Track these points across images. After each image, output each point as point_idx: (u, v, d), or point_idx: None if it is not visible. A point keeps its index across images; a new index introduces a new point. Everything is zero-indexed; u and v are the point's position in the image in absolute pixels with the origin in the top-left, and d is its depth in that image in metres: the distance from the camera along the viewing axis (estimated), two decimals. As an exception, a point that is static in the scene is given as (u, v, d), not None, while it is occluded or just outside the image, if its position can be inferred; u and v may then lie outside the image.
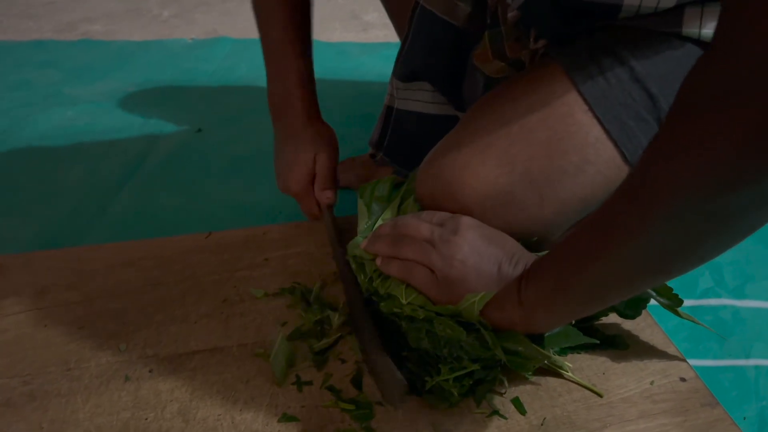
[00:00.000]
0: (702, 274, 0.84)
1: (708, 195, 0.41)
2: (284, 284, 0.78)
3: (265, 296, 0.76)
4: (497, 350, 0.58)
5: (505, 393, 0.64)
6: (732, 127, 0.38)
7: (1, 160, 1.14)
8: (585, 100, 0.65)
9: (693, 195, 0.42)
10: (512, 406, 0.63)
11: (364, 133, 1.10)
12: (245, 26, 1.77)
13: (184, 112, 1.32)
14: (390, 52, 1.58)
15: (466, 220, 0.63)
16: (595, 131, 0.65)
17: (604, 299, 0.55)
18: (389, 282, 0.64)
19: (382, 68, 1.53)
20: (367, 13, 1.97)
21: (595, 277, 0.52)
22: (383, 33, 1.79)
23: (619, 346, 0.69)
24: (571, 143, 0.65)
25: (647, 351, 0.69)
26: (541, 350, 0.59)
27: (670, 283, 0.67)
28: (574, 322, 0.66)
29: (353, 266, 0.68)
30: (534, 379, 0.66)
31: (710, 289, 0.82)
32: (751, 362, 0.72)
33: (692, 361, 0.69)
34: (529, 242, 0.67)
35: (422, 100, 0.93)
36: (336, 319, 0.70)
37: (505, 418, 0.62)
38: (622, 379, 0.66)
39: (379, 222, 0.73)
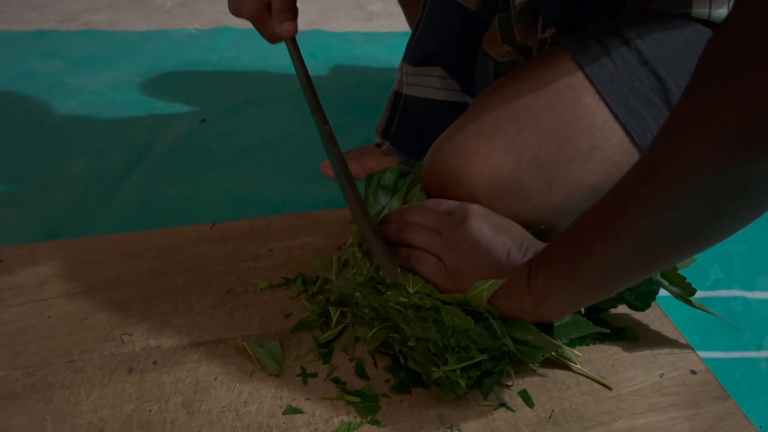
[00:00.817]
0: (712, 266, 0.83)
1: (725, 166, 0.40)
2: (289, 275, 0.77)
3: (270, 287, 0.75)
4: (506, 339, 0.58)
5: (512, 385, 0.64)
6: (748, 93, 0.37)
7: (4, 150, 1.13)
8: (592, 83, 0.64)
9: (711, 169, 0.41)
10: (520, 399, 0.62)
11: (368, 123, 1.09)
12: (249, 16, 1.75)
13: (187, 102, 1.31)
14: (395, 41, 1.57)
15: (474, 208, 0.62)
16: (603, 115, 0.64)
17: (615, 283, 0.55)
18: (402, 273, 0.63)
19: (387, 58, 1.51)
20: (371, 2, 1.96)
21: (605, 260, 0.51)
22: (388, 22, 1.78)
23: (628, 338, 0.68)
24: (578, 128, 0.64)
25: (657, 343, 0.68)
26: (551, 339, 0.58)
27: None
28: (583, 312, 0.65)
29: (359, 255, 0.67)
30: (542, 371, 0.65)
31: (720, 280, 0.81)
32: (763, 354, 0.71)
33: (702, 353, 0.68)
34: (538, 230, 0.66)
35: (432, 86, 0.92)
36: (336, 315, 0.69)
37: (513, 411, 0.61)
38: (632, 371, 0.65)
39: (385, 211, 0.72)
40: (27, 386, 0.64)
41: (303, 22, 0.83)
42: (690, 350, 0.67)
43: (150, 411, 0.61)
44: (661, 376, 0.65)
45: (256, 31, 0.73)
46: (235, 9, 0.73)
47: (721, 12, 0.65)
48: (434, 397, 0.62)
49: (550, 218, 0.66)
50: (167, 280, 0.78)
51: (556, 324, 0.61)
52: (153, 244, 0.84)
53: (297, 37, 0.72)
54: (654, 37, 0.65)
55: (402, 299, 0.61)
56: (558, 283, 0.55)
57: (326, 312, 0.70)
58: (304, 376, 0.64)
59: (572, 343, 0.67)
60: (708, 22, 0.65)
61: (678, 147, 0.43)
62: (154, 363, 0.66)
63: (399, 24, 1.15)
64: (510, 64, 0.87)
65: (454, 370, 0.59)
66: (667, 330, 0.70)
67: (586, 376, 0.64)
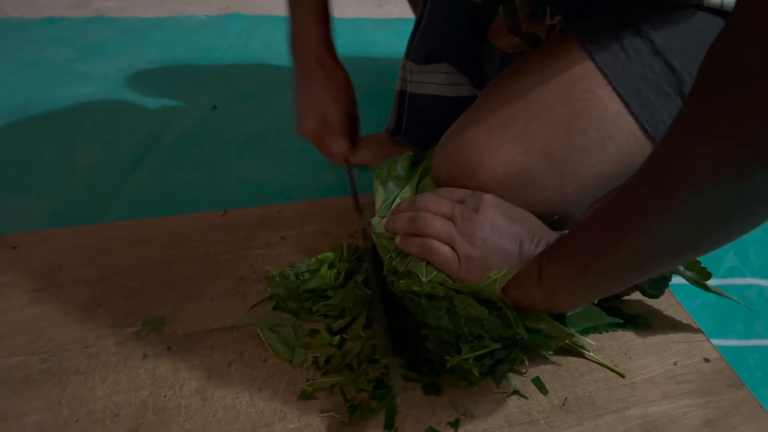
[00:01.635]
0: (726, 253, 0.82)
1: (731, 179, 0.40)
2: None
3: (282, 275, 0.75)
4: (519, 329, 0.57)
5: (525, 373, 0.64)
6: (761, 102, 0.36)
7: (16, 137, 1.14)
8: (604, 74, 0.63)
9: (716, 180, 0.41)
10: (533, 386, 0.62)
11: (380, 110, 1.08)
12: (258, 3, 1.74)
13: (198, 89, 1.31)
14: (406, 28, 1.55)
15: (487, 198, 0.61)
16: (615, 106, 0.63)
17: (625, 280, 0.54)
18: (409, 259, 0.63)
19: (398, 44, 1.50)
20: (382, -12, 1.94)
21: (615, 257, 0.50)
22: (398, 9, 1.76)
23: (642, 325, 0.68)
24: (590, 119, 0.63)
25: (670, 331, 0.68)
26: (564, 328, 0.58)
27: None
28: (596, 301, 0.65)
29: (375, 241, 0.67)
30: (555, 359, 0.65)
31: (735, 268, 0.80)
32: (777, 342, 0.71)
33: (716, 341, 0.68)
34: (551, 220, 0.66)
35: (437, 82, 0.91)
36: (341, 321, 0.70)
37: (526, 398, 0.61)
38: (645, 359, 0.65)
39: (397, 200, 0.72)
40: (43, 371, 0.64)
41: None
42: (704, 338, 0.67)
43: (164, 396, 0.61)
44: (675, 364, 0.65)
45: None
46: (298, 129, 0.84)
47: (732, 1, 0.64)
48: (447, 384, 0.62)
49: (562, 209, 0.66)
50: (179, 267, 0.78)
51: (569, 314, 0.60)
52: (165, 231, 0.84)
53: None
54: (666, 27, 0.64)
55: (415, 288, 0.61)
56: (568, 278, 0.55)
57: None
58: (318, 362, 0.64)
59: (585, 331, 0.66)
60: (720, 11, 0.64)
61: (684, 157, 0.42)
62: (168, 349, 0.67)
63: (410, 10, 1.14)
64: (518, 55, 0.86)
65: (467, 359, 0.59)
66: (681, 318, 0.70)
67: (600, 364, 0.64)
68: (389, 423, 0.59)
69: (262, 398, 0.61)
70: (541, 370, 0.64)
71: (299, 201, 0.91)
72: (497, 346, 0.59)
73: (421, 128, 0.96)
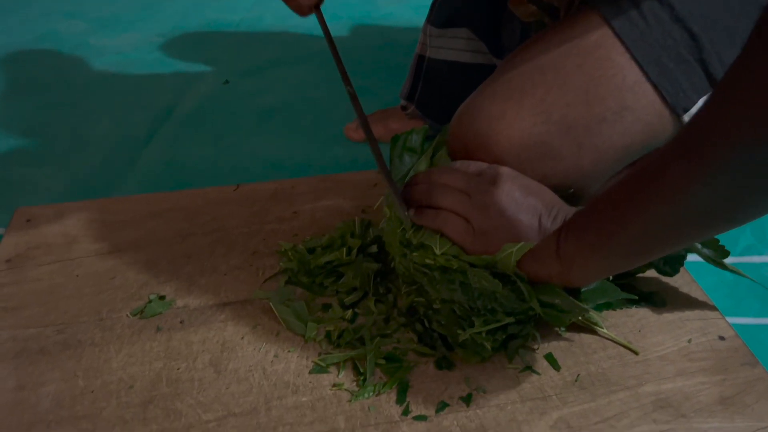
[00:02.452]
0: (743, 231, 0.81)
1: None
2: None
3: (294, 250, 0.75)
4: (533, 302, 0.57)
5: (537, 349, 0.63)
6: None
7: (30, 111, 1.14)
8: (622, 42, 0.62)
9: (754, 147, 0.39)
10: (545, 362, 0.62)
11: (392, 84, 1.07)
12: (271, -25, 1.73)
13: (210, 63, 1.30)
14: (419, 1, 1.54)
15: (504, 170, 0.61)
16: (634, 75, 0.62)
17: (646, 254, 0.54)
18: (422, 232, 0.62)
19: (412, 17, 1.49)
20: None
21: (638, 230, 0.50)
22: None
23: (657, 303, 0.68)
24: (608, 88, 0.62)
25: (685, 308, 0.67)
26: (579, 303, 0.58)
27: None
28: (611, 277, 0.64)
29: (387, 214, 0.67)
30: (567, 335, 0.65)
31: (752, 246, 0.79)
32: (794, 321, 0.70)
33: (732, 319, 0.67)
34: (567, 194, 0.65)
35: (456, 48, 0.90)
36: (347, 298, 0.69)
37: (539, 374, 0.61)
38: (659, 336, 0.65)
39: (412, 173, 0.71)
40: (58, 343, 0.65)
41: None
42: (719, 316, 0.67)
43: (178, 369, 0.62)
44: (689, 341, 0.64)
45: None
46: None
47: None
48: (459, 359, 0.62)
49: (579, 181, 0.65)
50: (193, 240, 0.78)
51: (584, 289, 0.60)
52: (178, 205, 0.84)
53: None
54: None
55: (428, 261, 0.61)
56: (587, 251, 0.54)
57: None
58: (330, 336, 0.65)
59: (599, 308, 0.66)
60: None
61: (721, 123, 0.41)
62: (181, 322, 0.67)
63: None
64: (537, 24, 0.85)
65: (479, 333, 0.59)
66: (696, 295, 0.69)
67: (613, 341, 0.64)
68: (401, 397, 0.59)
69: (274, 371, 0.61)
70: (553, 347, 0.63)
71: (312, 176, 0.90)
72: (510, 320, 0.59)
73: (436, 94, 0.95)
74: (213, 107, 1.15)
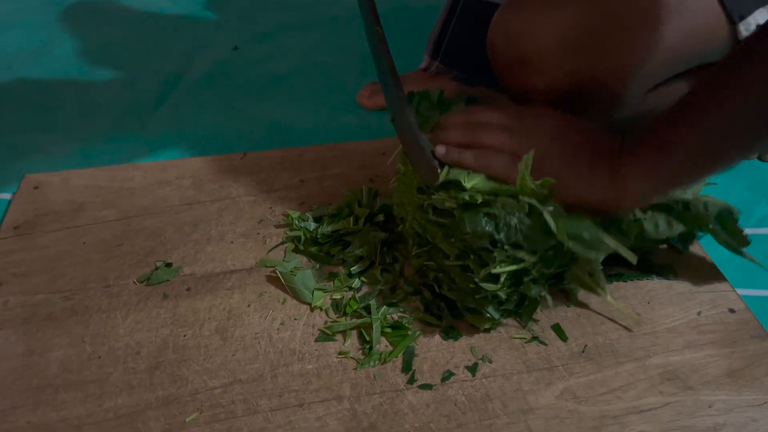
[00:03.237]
0: (758, 202, 0.80)
1: None
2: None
3: (301, 218, 0.74)
4: (560, 233, 0.55)
5: (538, 321, 0.63)
6: None
7: (39, 76, 1.13)
8: None
9: None
10: (552, 333, 0.62)
11: (404, 49, 1.05)
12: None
13: (219, 28, 1.29)
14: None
15: (544, 107, 0.60)
16: None
17: (712, 161, 0.52)
18: (445, 170, 0.60)
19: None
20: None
21: (705, 133, 0.49)
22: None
23: (668, 275, 0.67)
24: None
25: (695, 281, 0.67)
26: (607, 237, 0.56)
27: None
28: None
29: (402, 170, 0.65)
30: (574, 307, 0.64)
31: (767, 217, 0.78)
32: (806, 294, 0.69)
33: (743, 291, 0.66)
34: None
35: None
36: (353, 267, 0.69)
37: (545, 345, 0.61)
38: (668, 308, 0.64)
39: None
40: (66, 309, 0.65)
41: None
42: (729, 288, 0.66)
43: (185, 336, 0.62)
44: (699, 314, 0.63)
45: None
46: None
47: None
48: (466, 328, 0.62)
49: (620, 83, 0.63)
50: (200, 208, 0.78)
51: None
52: (185, 173, 0.83)
53: None
54: None
55: (448, 204, 0.58)
56: (646, 161, 0.53)
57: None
58: (337, 305, 0.64)
59: (609, 280, 0.65)
60: None
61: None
62: (188, 290, 0.67)
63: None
64: None
65: (486, 297, 0.58)
66: (707, 268, 0.68)
67: (617, 309, 0.63)
68: (407, 366, 0.59)
69: (280, 339, 0.62)
70: (561, 318, 0.63)
71: (320, 144, 0.89)
72: (532, 259, 0.57)
73: (467, 37, 0.92)
74: (221, 74, 1.13)
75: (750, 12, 0.60)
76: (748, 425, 0.54)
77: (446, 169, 0.59)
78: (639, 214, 0.62)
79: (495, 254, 0.56)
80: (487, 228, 0.56)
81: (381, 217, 0.72)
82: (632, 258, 0.58)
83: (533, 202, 0.56)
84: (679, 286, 0.66)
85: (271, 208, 0.77)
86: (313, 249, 0.70)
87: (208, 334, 0.62)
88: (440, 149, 0.60)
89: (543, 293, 0.60)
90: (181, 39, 1.25)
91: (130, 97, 1.07)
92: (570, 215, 0.56)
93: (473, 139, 0.60)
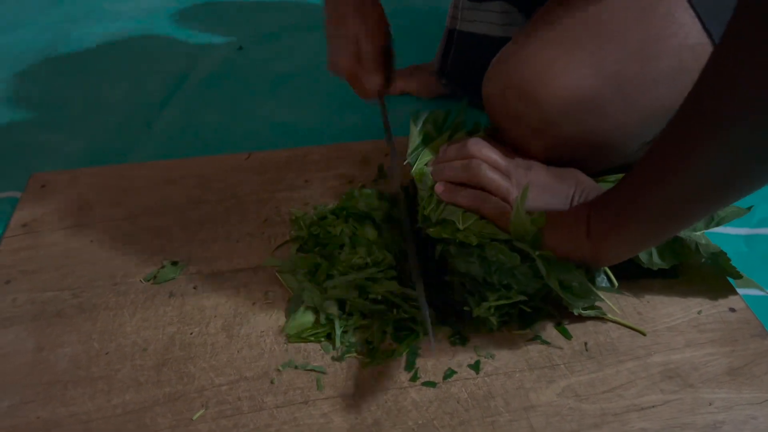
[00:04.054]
0: (759, 204, 0.80)
1: (755, 124, 0.39)
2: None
3: (306, 217, 0.75)
4: (551, 281, 0.57)
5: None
6: None
7: (45, 76, 1.14)
8: None
9: (741, 125, 0.39)
10: (555, 332, 0.62)
11: (409, 48, 1.05)
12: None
13: (224, 28, 1.29)
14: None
15: (535, 162, 0.62)
16: (696, 33, 0.59)
17: (673, 223, 0.53)
18: (442, 207, 0.63)
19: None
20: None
21: (663, 197, 0.50)
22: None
23: (668, 274, 0.67)
24: (667, 46, 0.60)
25: (696, 281, 0.67)
26: (594, 290, 0.58)
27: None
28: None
29: (414, 182, 0.67)
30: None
31: (766, 218, 0.79)
32: (806, 294, 0.69)
33: (744, 291, 0.67)
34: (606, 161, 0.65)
35: (488, 21, 0.88)
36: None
37: (548, 343, 0.61)
38: (669, 308, 0.65)
39: (425, 152, 0.70)
40: (74, 307, 0.66)
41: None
42: (730, 288, 0.66)
43: (191, 333, 0.63)
44: (699, 312, 0.64)
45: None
46: (331, 66, 0.77)
47: None
48: (469, 328, 0.63)
49: (621, 141, 0.64)
50: (206, 207, 0.79)
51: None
52: (191, 172, 0.84)
53: None
54: None
55: (445, 236, 0.61)
56: (617, 226, 0.54)
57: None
58: (342, 303, 0.65)
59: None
60: None
61: (731, 83, 0.41)
62: (194, 288, 0.68)
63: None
64: None
65: (489, 308, 0.59)
66: (707, 268, 0.68)
67: (620, 324, 0.63)
68: (410, 364, 0.60)
69: (286, 337, 0.62)
70: (563, 316, 0.64)
71: (324, 144, 0.90)
72: (523, 298, 0.59)
73: (466, 69, 0.93)
74: (226, 74, 1.14)
75: None
76: (748, 422, 0.54)
77: (442, 206, 0.63)
78: None
79: (488, 294, 0.59)
80: (480, 270, 0.59)
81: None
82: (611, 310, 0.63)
83: (526, 248, 0.58)
84: (680, 286, 0.67)
85: (276, 207, 0.78)
86: (317, 249, 0.70)
87: (214, 332, 0.63)
88: (439, 187, 0.64)
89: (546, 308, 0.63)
90: (186, 39, 1.26)
91: (137, 97, 1.08)
92: (559, 263, 0.58)
93: (470, 177, 0.62)
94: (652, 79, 0.60)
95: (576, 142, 0.63)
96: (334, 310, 0.62)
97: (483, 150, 0.63)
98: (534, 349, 0.61)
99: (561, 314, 0.63)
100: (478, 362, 0.59)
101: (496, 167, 0.62)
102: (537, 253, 0.58)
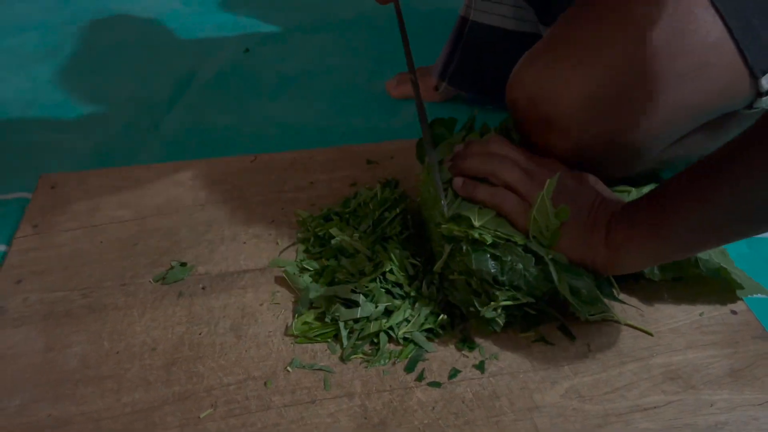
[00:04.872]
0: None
1: None
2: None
3: (311, 218, 0.76)
4: (562, 285, 0.58)
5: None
6: None
7: (53, 77, 1.15)
8: None
9: None
10: (558, 333, 0.63)
11: (414, 52, 1.06)
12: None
13: (230, 29, 1.30)
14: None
15: (557, 164, 0.62)
16: (717, 30, 0.59)
17: (694, 246, 0.55)
18: (458, 202, 0.63)
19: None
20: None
21: (697, 219, 0.50)
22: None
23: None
24: (690, 43, 0.60)
25: (698, 283, 0.68)
26: (602, 299, 0.59)
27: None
28: None
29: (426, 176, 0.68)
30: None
31: None
32: (807, 296, 0.70)
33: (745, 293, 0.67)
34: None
35: (501, 14, 0.88)
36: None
37: (552, 344, 0.62)
38: (671, 310, 0.65)
39: (439, 150, 0.71)
40: (83, 307, 0.67)
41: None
42: (732, 291, 0.67)
43: (200, 333, 0.64)
44: (701, 315, 0.65)
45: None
46: None
47: None
48: (473, 328, 0.63)
49: (645, 141, 0.64)
50: (213, 208, 0.79)
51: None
52: (198, 174, 0.85)
53: None
54: None
55: (457, 233, 0.61)
56: (638, 237, 0.55)
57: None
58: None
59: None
60: None
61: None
62: (202, 288, 0.69)
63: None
64: None
65: (496, 309, 0.59)
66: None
67: (628, 325, 0.64)
68: (411, 365, 0.60)
69: (293, 337, 0.63)
70: (567, 318, 0.64)
71: (330, 147, 0.91)
72: (531, 300, 0.59)
73: (474, 61, 0.94)
74: (233, 75, 1.15)
75: None
76: (750, 424, 0.55)
77: (457, 201, 0.63)
78: None
79: (497, 294, 0.59)
80: (492, 269, 0.59)
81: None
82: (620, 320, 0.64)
83: (540, 251, 0.59)
84: (682, 288, 0.67)
85: (282, 209, 0.79)
86: (323, 250, 0.71)
87: (222, 332, 0.64)
88: (457, 182, 0.64)
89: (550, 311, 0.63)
90: (193, 40, 1.26)
91: (143, 97, 1.09)
92: (570, 268, 0.59)
93: (491, 170, 0.62)
94: (676, 75, 0.60)
95: (603, 143, 0.63)
96: (340, 311, 0.63)
97: (506, 147, 0.64)
98: (538, 350, 0.62)
99: (565, 317, 0.64)
100: (482, 362, 0.60)
101: (518, 165, 0.62)
102: (550, 256, 0.59)
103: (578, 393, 0.58)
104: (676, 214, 0.52)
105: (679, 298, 0.66)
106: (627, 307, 0.65)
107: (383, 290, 0.64)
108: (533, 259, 0.59)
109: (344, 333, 0.62)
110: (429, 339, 0.62)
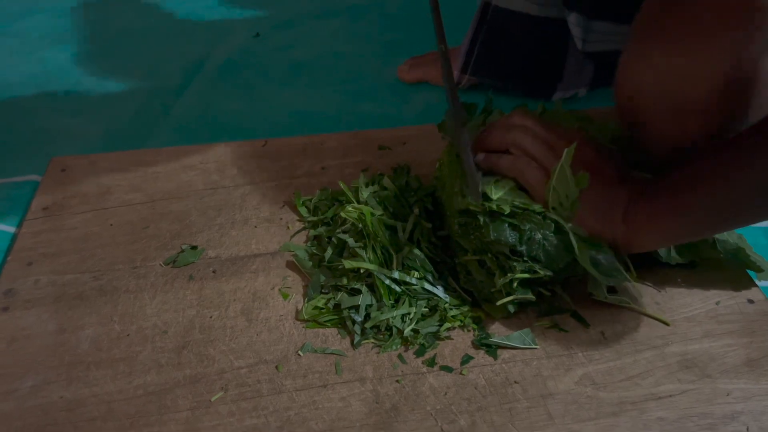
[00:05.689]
0: None
1: None
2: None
3: (320, 203, 0.75)
4: (582, 255, 0.57)
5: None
6: None
7: (63, 61, 1.15)
8: None
9: None
10: (572, 320, 0.63)
11: (426, 38, 1.05)
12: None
13: (240, 14, 1.29)
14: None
15: (581, 136, 0.61)
16: None
17: (723, 226, 0.54)
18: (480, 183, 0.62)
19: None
20: None
21: (717, 199, 0.50)
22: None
23: (686, 265, 0.67)
24: None
25: (715, 271, 0.67)
26: (622, 270, 0.58)
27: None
28: None
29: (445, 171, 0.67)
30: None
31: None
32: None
33: (762, 283, 0.67)
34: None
35: None
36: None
37: (566, 331, 0.61)
38: (687, 298, 0.65)
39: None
40: (95, 289, 0.67)
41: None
42: (749, 279, 0.66)
43: (210, 317, 0.63)
44: (717, 303, 0.64)
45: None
46: None
47: None
48: (486, 314, 0.63)
49: (719, 134, 0.62)
50: (224, 193, 0.79)
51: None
52: (209, 158, 0.85)
53: None
54: None
55: (473, 207, 0.60)
56: (657, 214, 0.55)
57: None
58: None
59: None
60: None
61: None
62: (213, 272, 0.68)
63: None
64: None
65: (512, 282, 0.59)
66: (727, 259, 0.68)
67: (643, 314, 0.63)
68: (421, 350, 0.60)
69: (304, 321, 0.63)
70: (581, 305, 0.64)
71: (341, 132, 0.90)
72: (548, 273, 0.59)
73: (497, 46, 0.93)
74: (243, 60, 1.14)
75: None
76: (766, 413, 0.54)
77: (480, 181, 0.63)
78: None
79: (515, 265, 0.58)
80: (510, 239, 0.58)
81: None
82: (639, 295, 0.64)
83: (560, 220, 0.59)
84: (698, 276, 0.67)
85: (293, 194, 0.78)
86: (332, 235, 0.71)
87: (233, 316, 0.64)
88: (480, 156, 0.64)
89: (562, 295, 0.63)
90: (203, 25, 1.26)
91: (154, 82, 1.08)
92: (589, 239, 0.59)
93: (512, 140, 0.62)
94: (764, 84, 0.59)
95: (741, 123, 0.61)
96: (346, 299, 0.62)
97: (528, 119, 0.63)
98: (552, 337, 0.61)
99: (578, 303, 0.63)
100: (495, 348, 0.60)
101: (539, 136, 0.62)
102: (569, 225, 0.58)
103: (592, 380, 0.57)
104: (697, 192, 0.51)
105: (695, 287, 0.66)
106: (642, 295, 0.65)
107: (389, 282, 0.63)
108: (553, 225, 0.58)
109: (349, 322, 0.62)
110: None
